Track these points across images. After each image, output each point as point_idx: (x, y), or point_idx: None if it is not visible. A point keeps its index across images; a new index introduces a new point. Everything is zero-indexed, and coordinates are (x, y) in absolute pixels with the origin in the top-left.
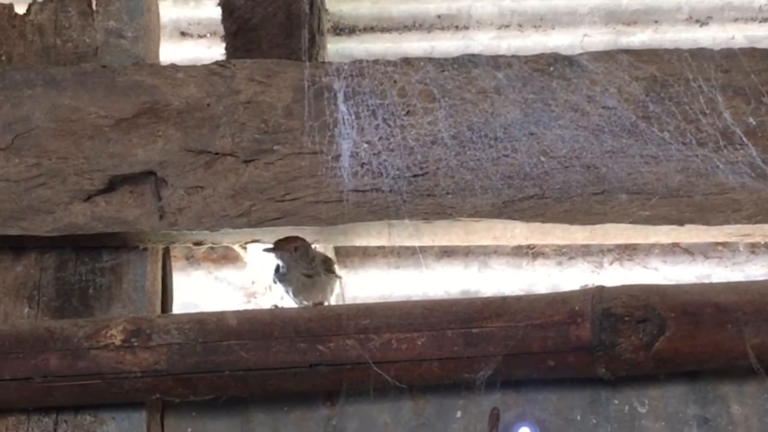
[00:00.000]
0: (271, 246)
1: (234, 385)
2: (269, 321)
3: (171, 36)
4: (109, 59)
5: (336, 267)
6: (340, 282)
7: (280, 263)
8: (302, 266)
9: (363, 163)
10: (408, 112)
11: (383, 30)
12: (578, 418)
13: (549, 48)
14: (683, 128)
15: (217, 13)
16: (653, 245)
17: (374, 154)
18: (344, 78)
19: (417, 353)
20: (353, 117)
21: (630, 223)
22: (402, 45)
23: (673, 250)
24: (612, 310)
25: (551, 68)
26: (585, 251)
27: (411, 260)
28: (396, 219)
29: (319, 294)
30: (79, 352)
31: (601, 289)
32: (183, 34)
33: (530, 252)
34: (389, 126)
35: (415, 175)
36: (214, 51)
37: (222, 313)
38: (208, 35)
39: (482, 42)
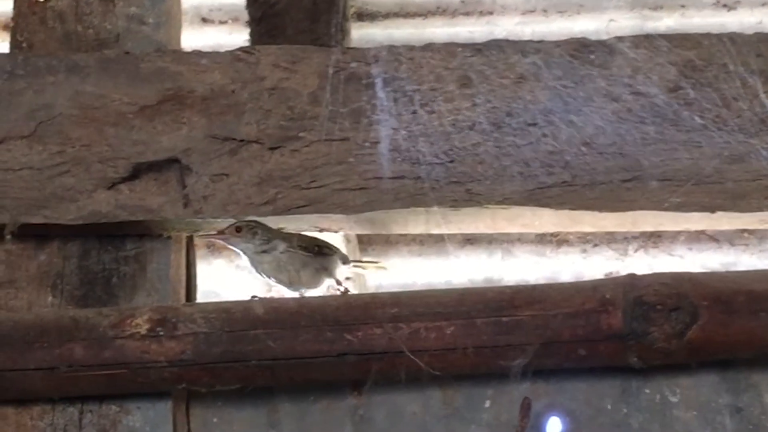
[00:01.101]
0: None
1: (261, 375)
2: (296, 310)
3: (192, 22)
4: (130, 46)
5: (331, 248)
6: (341, 261)
7: (233, 247)
8: (254, 245)
9: (391, 150)
10: (434, 99)
11: (407, 15)
12: (609, 407)
13: (574, 33)
14: (717, 113)
15: None
16: (679, 232)
17: (403, 140)
18: (377, 63)
19: (446, 342)
20: (384, 103)
21: (661, 210)
22: (425, 31)
23: (698, 237)
24: (644, 298)
25: (591, 56)
26: (610, 238)
27: (434, 248)
28: (425, 206)
29: (299, 274)
30: (104, 342)
31: (632, 277)
32: (204, 20)
33: (554, 239)
34: (419, 113)
35: (443, 162)
36: (235, 37)
37: (248, 301)
38: (230, 21)
39: (506, 27)
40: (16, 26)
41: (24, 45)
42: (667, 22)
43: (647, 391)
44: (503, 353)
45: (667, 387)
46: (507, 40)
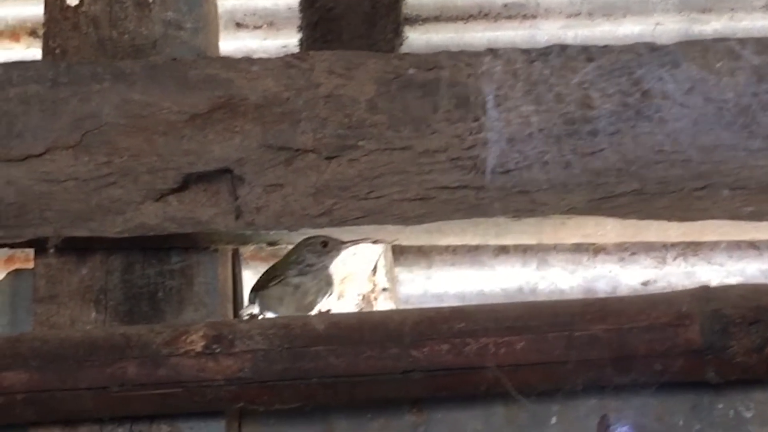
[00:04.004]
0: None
1: (322, 393)
2: (358, 326)
3: (226, 27)
4: (168, 52)
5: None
6: None
7: (309, 261)
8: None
9: (453, 159)
10: (498, 105)
11: (447, 20)
12: (680, 423)
13: (619, 37)
14: None
15: (272, 3)
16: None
17: (465, 148)
18: (437, 69)
19: (517, 358)
20: (446, 110)
21: (731, 219)
22: (465, 35)
23: (738, 244)
24: (722, 311)
25: (660, 60)
26: (647, 246)
27: (467, 257)
28: (486, 217)
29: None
30: (158, 360)
31: (706, 289)
32: (238, 24)
33: (591, 248)
34: (481, 120)
35: (507, 171)
36: (268, 42)
37: (307, 317)
38: (264, 26)
39: (549, 32)
40: (48, 32)
41: (57, 51)
42: (714, 25)
43: (720, 406)
44: (576, 369)
45: (740, 402)
46: (571, 45)
